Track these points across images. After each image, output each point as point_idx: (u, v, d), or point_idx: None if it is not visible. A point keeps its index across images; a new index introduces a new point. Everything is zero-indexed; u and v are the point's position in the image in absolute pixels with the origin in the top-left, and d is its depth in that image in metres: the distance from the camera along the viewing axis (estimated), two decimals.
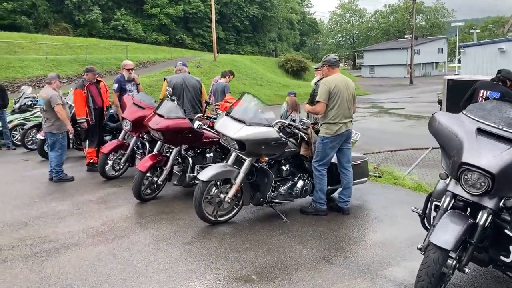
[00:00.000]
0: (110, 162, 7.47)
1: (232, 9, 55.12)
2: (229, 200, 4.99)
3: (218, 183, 5.06)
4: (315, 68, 7.18)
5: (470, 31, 77.33)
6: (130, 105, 7.31)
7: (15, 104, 11.74)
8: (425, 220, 3.61)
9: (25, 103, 11.64)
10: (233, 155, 5.14)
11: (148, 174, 6.02)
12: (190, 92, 7.29)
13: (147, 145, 7.38)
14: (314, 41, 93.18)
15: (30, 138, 10.47)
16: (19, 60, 25.47)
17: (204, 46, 53.49)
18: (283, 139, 4.91)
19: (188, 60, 34.55)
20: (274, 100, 26.66)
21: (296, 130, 5.01)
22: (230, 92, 9.81)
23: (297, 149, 5.39)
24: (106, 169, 7.39)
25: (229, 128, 4.87)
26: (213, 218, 5.09)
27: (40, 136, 9.16)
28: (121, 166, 7.58)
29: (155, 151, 6.35)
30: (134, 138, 7.39)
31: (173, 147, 6.11)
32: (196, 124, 6.16)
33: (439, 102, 17.44)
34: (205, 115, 6.49)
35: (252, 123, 4.78)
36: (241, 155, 4.98)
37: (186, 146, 6.16)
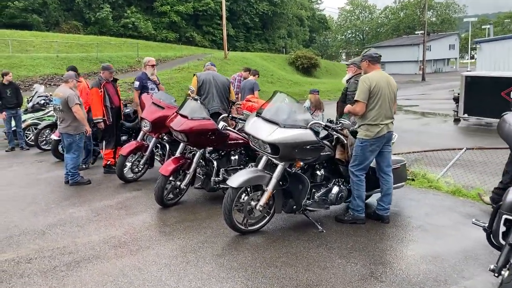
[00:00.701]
0: (128, 164, 7.14)
1: (242, 6, 54.63)
2: (261, 208, 4.62)
3: (248, 190, 4.69)
4: (347, 65, 6.77)
5: (482, 27, 76.32)
6: (149, 104, 6.97)
7: (28, 103, 11.45)
8: (492, 236, 3.20)
9: (38, 102, 11.34)
10: (264, 159, 4.76)
11: (171, 178, 5.67)
12: (219, 87, 7.14)
13: (167, 146, 7.03)
14: (323, 37, 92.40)
15: (43, 138, 10.17)
16: (30, 59, 25.30)
17: (214, 43, 53.12)
18: (320, 142, 4.52)
19: (198, 58, 34.33)
20: None
21: (334, 133, 4.61)
22: (259, 90, 9.42)
23: (332, 152, 4.99)
24: (124, 172, 7.06)
25: (261, 130, 4.49)
26: (243, 227, 4.73)
27: (54, 136, 8.85)
28: (140, 169, 7.24)
29: (177, 154, 6.00)
30: (154, 139, 7.05)
31: (196, 150, 5.74)
32: (221, 125, 5.78)
33: (456, 99, 17.02)
34: (230, 115, 6.11)
35: (287, 125, 4.39)
36: (274, 160, 4.60)
37: (211, 148, 5.79)
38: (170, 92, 22.14)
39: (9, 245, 4.65)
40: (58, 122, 7.10)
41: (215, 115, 6.50)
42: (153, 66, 8.07)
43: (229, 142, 5.87)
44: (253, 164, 6.09)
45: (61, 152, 8.98)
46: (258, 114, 4.71)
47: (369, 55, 4.99)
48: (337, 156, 5.03)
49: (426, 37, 51.42)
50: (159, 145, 7.38)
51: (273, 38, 61.94)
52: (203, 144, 5.65)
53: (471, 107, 16.17)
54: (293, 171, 4.70)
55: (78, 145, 7.02)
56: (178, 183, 5.78)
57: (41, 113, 11.27)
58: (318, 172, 4.96)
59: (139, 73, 8.21)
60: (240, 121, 6.08)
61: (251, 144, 4.82)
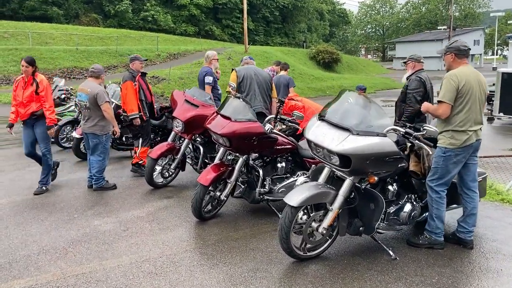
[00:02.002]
0: (158, 168, 6.43)
1: None
2: (324, 231, 3.85)
3: (308, 208, 3.93)
4: (404, 62, 5.95)
5: (508, 22, 74.14)
6: (182, 102, 6.26)
7: None
8: None
9: (58, 97, 10.71)
10: (326, 171, 3.99)
11: (210, 188, 4.94)
12: (261, 83, 6.33)
13: (201, 148, 6.31)
14: (342, 32, 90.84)
15: (64, 136, 9.53)
16: (50, 51, 24.91)
17: (233, 37, 52.37)
18: (401, 153, 3.73)
19: (218, 52, 33.49)
20: (307, 93, 25.38)
21: (417, 141, 3.80)
22: (294, 87, 8.65)
23: (406, 163, 4.19)
24: (154, 176, 6.36)
25: (327, 137, 3.71)
26: (301, 253, 3.97)
27: (76, 134, 8.19)
28: (171, 173, 6.54)
29: (216, 160, 5.25)
30: (186, 140, 6.34)
31: (239, 155, 4.99)
32: (267, 127, 5.01)
33: (489, 99, 16.01)
34: (279, 115, 5.35)
35: (360, 132, 3.60)
36: (340, 173, 3.82)
37: (256, 154, 5.03)
38: (190, 87, 21.47)
39: (27, 267, 3.97)
40: (82, 120, 6.40)
41: (257, 116, 5.74)
42: (218, 60, 7.57)
43: (276, 147, 5.11)
44: (302, 172, 5.35)
45: (84, 151, 8.36)
46: (322, 117, 3.92)
47: (455, 47, 4.15)
48: (411, 168, 4.23)
49: (451, 32, 49.81)
50: (190, 147, 6.66)
51: (293, 32, 60.91)
52: (248, 149, 4.90)
53: (507, 106, 15.18)
54: (363, 186, 3.92)
55: (104, 147, 6.34)
56: (218, 193, 5.05)
57: (61, 108, 10.63)
58: (390, 188, 4.16)
59: (205, 68, 7.56)
60: (290, 123, 5.32)
61: (312, 153, 4.03)
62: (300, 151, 5.40)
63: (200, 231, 4.80)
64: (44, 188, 6.33)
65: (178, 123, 6.19)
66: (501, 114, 15.36)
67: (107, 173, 6.75)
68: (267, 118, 5.15)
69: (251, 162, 5.07)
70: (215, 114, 5.05)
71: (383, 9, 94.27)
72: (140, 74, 6.98)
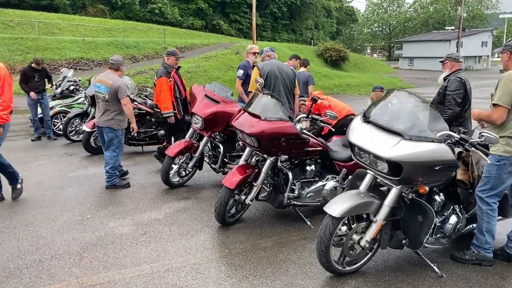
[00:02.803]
0: (174, 167, 6.09)
1: None
2: (367, 244, 3.51)
3: (349, 219, 3.58)
4: (441, 62, 5.57)
5: None
6: (202, 97, 5.90)
7: (56, 88, 10.47)
8: None
9: (67, 88, 10.37)
10: (368, 178, 3.63)
11: (235, 192, 4.60)
12: (285, 81, 5.85)
13: (221, 147, 5.95)
14: (349, 30, 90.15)
15: (73, 128, 9.20)
16: (56, 42, 24.50)
17: (241, 32, 51.90)
18: (457, 161, 3.37)
19: (226, 47, 33.15)
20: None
21: (473, 148, 3.44)
22: (314, 84, 8.28)
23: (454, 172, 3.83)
24: (170, 175, 6.01)
25: (375, 141, 3.35)
26: (340, 267, 3.62)
27: (86, 128, 7.85)
28: (188, 172, 6.19)
29: (242, 161, 4.90)
30: (205, 138, 5.99)
31: (267, 157, 4.63)
32: (297, 127, 4.64)
33: None
34: (310, 115, 4.98)
35: (413, 137, 3.23)
36: (388, 182, 3.47)
37: (286, 156, 4.67)
38: (197, 82, 21.10)
39: (39, 275, 3.63)
40: (98, 114, 6.03)
41: None
42: (255, 54, 7.10)
43: (307, 149, 4.76)
44: (331, 176, 5.00)
45: (94, 146, 8.04)
46: (366, 118, 3.56)
47: None
48: (459, 176, 3.88)
49: (458, 33, 49.24)
50: (209, 146, 6.31)
51: (300, 29, 60.39)
52: (277, 151, 4.54)
53: None
54: (411, 197, 3.56)
55: (120, 142, 6.02)
56: (243, 197, 4.70)
57: (70, 100, 10.31)
58: (437, 198, 3.80)
59: (243, 62, 7.19)
60: (322, 123, 4.95)
61: (354, 158, 3.68)
62: (330, 153, 5.05)
63: (224, 237, 4.45)
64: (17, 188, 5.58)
65: (197, 119, 5.84)
66: None
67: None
68: (298, 117, 4.78)
69: (279, 164, 4.72)
70: (242, 111, 4.70)
71: (391, 8, 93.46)
72: (174, 69, 6.72)
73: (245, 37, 47.68)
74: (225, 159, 6.05)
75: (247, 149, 4.90)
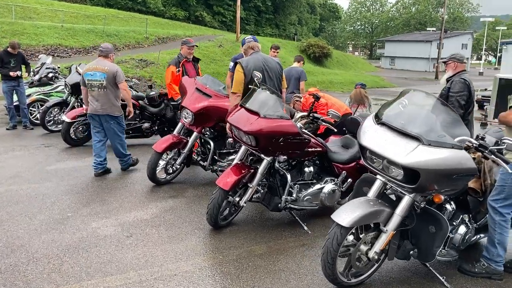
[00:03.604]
0: (161, 163, 5.75)
1: None
2: (376, 256, 3.26)
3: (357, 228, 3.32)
4: (444, 62, 5.35)
5: (496, 28, 74.84)
6: (192, 91, 5.58)
7: (34, 75, 9.93)
8: None
9: (46, 75, 9.84)
10: (378, 184, 3.37)
11: (229, 193, 4.29)
12: (272, 79, 5.19)
13: (211, 143, 5.64)
14: (332, 27, 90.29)
15: (51, 118, 8.73)
16: (34, 27, 23.62)
17: (224, 25, 51.24)
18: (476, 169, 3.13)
19: (209, 39, 32.60)
20: None
21: (493, 156, 3.21)
22: (306, 80, 8.03)
23: None
24: (157, 171, 5.68)
25: (390, 145, 3.08)
26: (345, 279, 3.37)
27: (66, 118, 7.40)
28: (175, 169, 5.86)
29: (236, 161, 4.60)
30: (195, 134, 5.66)
31: (264, 157, 4.33)
32: (298, 126, 4.35)
33: (478, 102, 15.78)
34: (312, 114, 4.71)
35: (432, 142, 2.99)
36: (401, 189, 3.22)
37: (284, 157, 4.38)
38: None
39: (14, 281, 3.27)
40: (92, 102, 5.86)
41: None
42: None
43: (307, 149, 4.49)
44: (330, 178, 4.75)
45: (74, 137, 7.62)
46: (380, 121, 3.29)
47: None
48: (470, 184, 3.66)
49: (440, 34, 49.79)
50: (198, 142, 5.98)
51: (284, 24, 60.05)
52: (275, 150, 4.25)
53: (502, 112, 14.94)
54: (423, 205, 3.32)
55: (122, 126, 6.13)
56: (237, 199, 4.40)
57: (48, 87, 9.80)
58: (448, 206, 3.57)
59: (236, 55, 6.93)
60: (324, 122, 4.69)
61: (364, 162, 3.41)
62: (330, 154, 4.79)
63: (216, 242, 4.15)
64: None
65: (187, 113, 5.51)
66: (496, 120, 15.11)
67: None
68: (298, 115, 4.50)
69: (276, 165, 4.43)
70: (239, 107, 4.39)
71: (374, 6, 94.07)
72: (190, 60, 6.67)
73: (228, 30, 47.08)
74: (215, 156, 5.74)
75: (243, 148, 4.60)
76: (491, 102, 15.44)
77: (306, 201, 4.60)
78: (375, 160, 3.25)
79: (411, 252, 3.44)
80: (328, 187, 4.62)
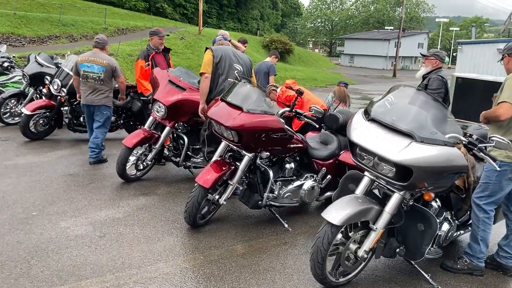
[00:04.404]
0: (132, 159, 5.49)
1: None
2: (365, 255, 3.19)
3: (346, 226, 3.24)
4: (424, 56, 5.35)
5: (450, 29, 77.73)
6: (165, 83, 5.35)
7: None
8: None
9: (1, 64, 9.25)
10: (365, 181, 3.31)
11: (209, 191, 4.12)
12: (242, 67, 5.10)
13: (185, 139, 5.43)
14: (293, 23, 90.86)
15: (7, 110, 8.21)
16: None
17: (185, 17, 50.40)
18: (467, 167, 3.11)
19: (171, 31, 31.89)
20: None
21: (481, 153, 3.19)
22: (275, 75, 7.91)
23: None
24: (127, 167, 5.42)
25: (381, 142, 3.00)
26: (334, 279, 3.28)
27: (25, 110, 6.96)
28: (146, 165, 5.61)
29: (216, 157, 4.43)
30: (167, 128, 5.43)
31: (245, 153, 4.18)
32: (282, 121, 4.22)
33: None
34: (294, 110, 4.60)
35: (425, 139, 2.93)
36: (391, 187, 3.16)
37: (267, 153, 4.25)
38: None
39: None
40: (84, 93, 5.97)
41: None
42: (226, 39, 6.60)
43: (289, 145, 4.38)
44: (310, 175, 4.66)
45: (33, 131, 7.19)
46: (371, 117, 3.21)
47: (509, 47, 3.62)
48: (456, 182, 3.66)
49: (397, 33, 51.08)
50: (170, 137, 5.76)
51: (246, 18, 59.76)
52: (258, 147, 4.11)
53: (458, 110, 15.41)
54: (411, 203, 3.28)
55: (110, 118, 6.28)
56: (217, 197, 4.23)
57: (3, 78, 9.19)
58: (434, 204, 3.56)
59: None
60: (306, 118, 4.59)
61: (353, 160, 3.33)
62: (310, 150, 4.70)
63: (195, 241, 3.97)
64: None
65: (159, 107, 5.28)
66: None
67: (60, 159, 5.72)
68: (280, 111, 4.37)
69: (258, 161, 4.29)
70: (219, 101, 4.22)
71: (333, 4, 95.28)
72: (157, 51, 6.38)
73: (189, 22, 46.36)
74: (188, 152, 5.55)
75: (223, 144, 4.43)
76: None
77: (287, 198, 4.49)
78: (365, 157, 3.17)
79: (397, 250, 3.40)
80: (308, 183, 4.54)
